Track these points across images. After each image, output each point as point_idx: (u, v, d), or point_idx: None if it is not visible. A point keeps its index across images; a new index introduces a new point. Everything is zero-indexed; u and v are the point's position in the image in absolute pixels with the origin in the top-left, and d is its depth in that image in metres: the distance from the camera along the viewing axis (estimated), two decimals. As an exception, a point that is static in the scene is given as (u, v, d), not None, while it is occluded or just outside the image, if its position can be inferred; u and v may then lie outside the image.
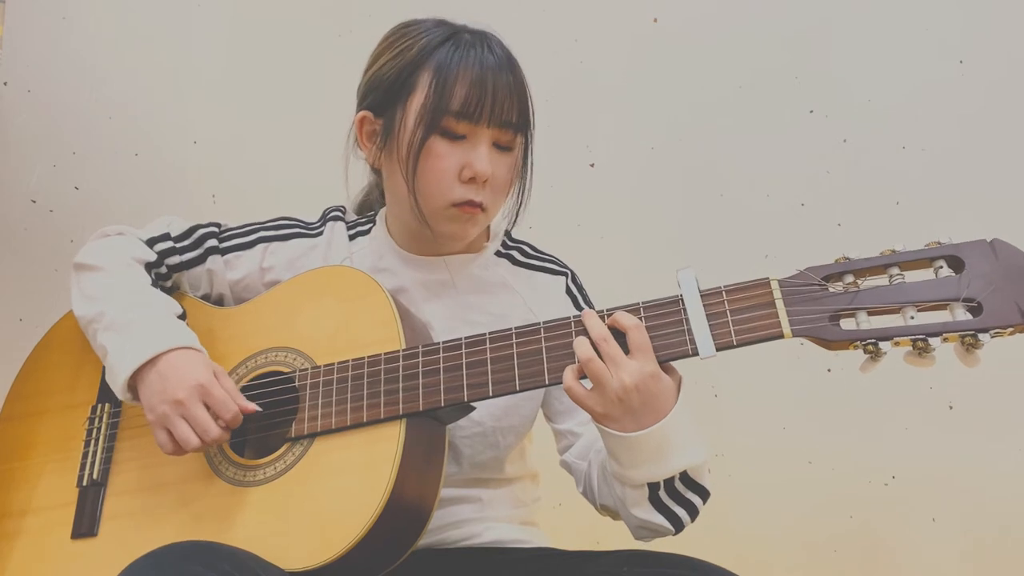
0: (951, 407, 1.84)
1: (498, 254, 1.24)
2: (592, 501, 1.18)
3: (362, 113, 1.17)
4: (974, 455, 1.82)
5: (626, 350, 0.97)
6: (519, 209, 1.20)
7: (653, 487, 1.02)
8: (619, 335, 0.98)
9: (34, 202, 1.99)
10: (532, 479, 1.27)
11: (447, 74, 1.09)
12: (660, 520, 1.04)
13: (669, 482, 1.02)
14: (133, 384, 1.09)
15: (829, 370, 1.84)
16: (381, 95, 1.15)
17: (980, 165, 1.88)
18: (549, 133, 1.90)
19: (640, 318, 0.99)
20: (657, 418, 0.98)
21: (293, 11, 2.04)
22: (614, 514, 1.14)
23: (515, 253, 1.26)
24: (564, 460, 1.23)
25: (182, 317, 1.16)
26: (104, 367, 1.13)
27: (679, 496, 1.04)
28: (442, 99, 1.09)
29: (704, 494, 1.05)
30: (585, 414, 1.15)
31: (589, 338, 0.98)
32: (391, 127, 1.14)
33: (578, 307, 1.23)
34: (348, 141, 1.22)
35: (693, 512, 1.06)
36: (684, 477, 1.03)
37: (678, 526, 1.06)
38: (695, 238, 1.94)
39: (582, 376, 0.99)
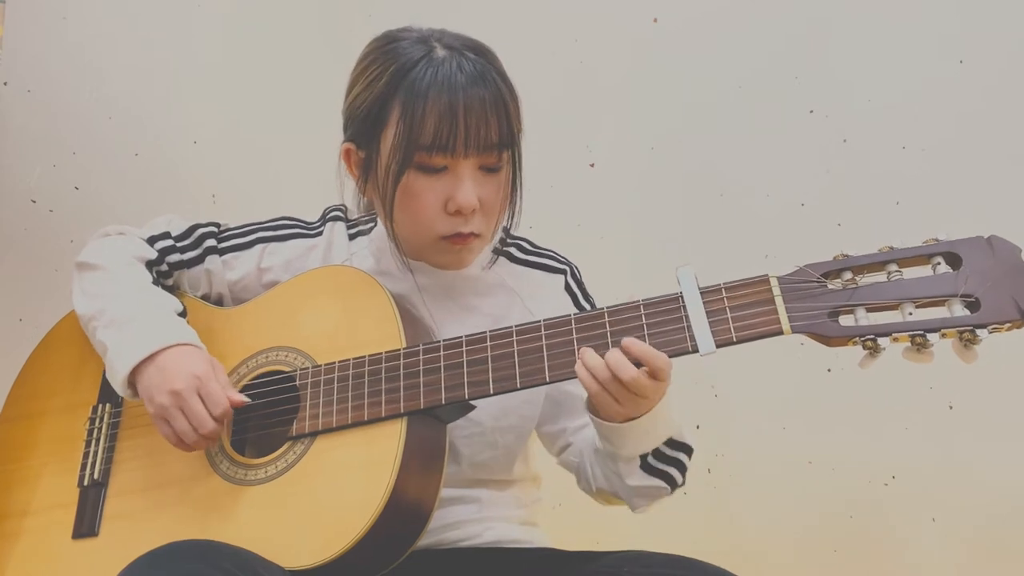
0: (951, 407, 1.84)
1: (496, 251, 1.24)
2: (588, 490, 1.21)
3: (346, 145, 1.15)
4: (974, 455, 1.82)
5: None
6: (509, 228, 1.17)
7: (643, 456, 1.08)
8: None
9: (34, 202, 1.99)
10: (533, 481, 1.27)
11: (415, 106, 1.03)
12: (656, 482, 1.10)
13: (656, 448, 1.08)
14: (132, 380, 1.09)
15: (829, 370, 1.84)
16: (358, 127, 1.11)
17: (980, 165, 1.87)
18: (549, 133, 1.92)
19: (640, 315, 0.99)
20: (649, 406, 1.03)
21: (293, 11, 2.04)
22: (611, 496, 1.17)
23: (513, 250, 1.25)
24: (562, 460, 1.24)
25: (183, 315, 1.16)
26: (104, 365, 1.13)
27: (667, 457, 1.10)
28: (411, 134, 1.04)
29: (688, 450, 1.12)
30: (580, 417, 1.18)
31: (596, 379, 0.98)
32: (370, 162, 1.11)
33: (577, 304, 1.23)
34: (338, 167, 1.18)
35: (682, 468, 1.12)
36: (669, 440, 1.09)
37: (672, 484, 1.12)
38: (695, 238, 1.94)
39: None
